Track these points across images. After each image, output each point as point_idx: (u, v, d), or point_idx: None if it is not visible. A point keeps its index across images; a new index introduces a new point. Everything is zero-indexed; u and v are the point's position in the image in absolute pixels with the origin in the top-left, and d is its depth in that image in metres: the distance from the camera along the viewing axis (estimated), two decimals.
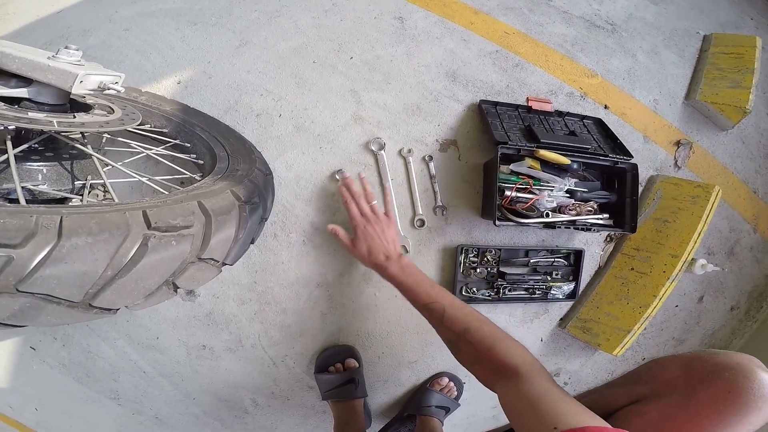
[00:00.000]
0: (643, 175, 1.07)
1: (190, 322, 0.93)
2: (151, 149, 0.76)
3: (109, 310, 0.46)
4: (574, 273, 1.00)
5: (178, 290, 0.51)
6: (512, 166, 0.85)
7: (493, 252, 0.95)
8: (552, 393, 0.49)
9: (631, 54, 1.19)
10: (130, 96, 0.87)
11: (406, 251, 0.93)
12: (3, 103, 0.58)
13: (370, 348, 0.99)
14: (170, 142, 0.82)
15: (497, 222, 0.80)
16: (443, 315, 0.65)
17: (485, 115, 0.90)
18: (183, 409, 1.01)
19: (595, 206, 0.89)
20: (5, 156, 0.55)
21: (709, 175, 1.17)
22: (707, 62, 1.23)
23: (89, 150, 0.67)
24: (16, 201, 0.61)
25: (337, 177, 0.92)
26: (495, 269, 0.96)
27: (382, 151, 0.93)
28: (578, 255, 0.98)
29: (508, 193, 0.83)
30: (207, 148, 0.79)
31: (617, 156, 0.88)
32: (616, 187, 0.92)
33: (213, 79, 0.99)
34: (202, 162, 0.78)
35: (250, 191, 0.61)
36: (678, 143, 1.12)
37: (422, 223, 0.94)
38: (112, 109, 0.71)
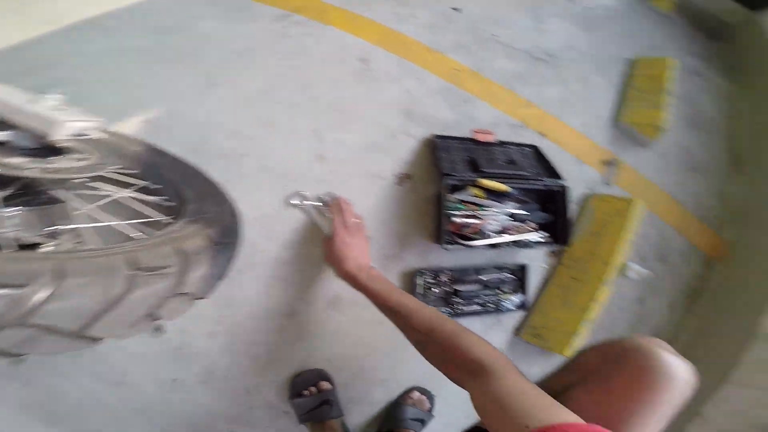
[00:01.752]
0: (578, 193, 1.24)
1: (158, 357, 0.96)
2: (121, 192, 0.81)
3: (96, 339, 0.53)
4: (522, 285, 1.14)
5: (154, 323, 0.59)
6: (458, 195, 0.98)
7: (448, 273, 1.07)
8: (520, 389, 0.48)
9: (565, 82, 1.37)
10: (101, 135, 0.91)
11: None
12: None
13: (342, 371, 1.05)
14: (140, 184, 0.86)
15: (447, 246, 0.93)
16: (410, 317, 0.70)
17: (435, 150, 1.04)
18: None
19: (535, 226, 1.04)
20: None
21: (636, 190, 1.35)
22: (630, 85, 1.44)
23: (64, 195, 0.72)
24: None
25: (292, 202, 1.01)
26: (450, 288, 1.08)
27: (306, 202, 1.02)
28: (523, 269, 1.12)
29: (456, 220, 0.96)
30: (177, 189, 0.85)
31: (550, 180, 1.04)
32: (552, 208, 1.08)
33: (181, 119, 1.06)
34: (173, 204, 0.84)
35: (220, 233, 0.71)
36: (607, 163, 1.30)
37: None
38: (87, 152, 0.75)
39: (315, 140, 1.08)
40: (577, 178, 1.25)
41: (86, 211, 0.73)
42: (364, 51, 1.21)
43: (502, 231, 1.01)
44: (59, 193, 0.72)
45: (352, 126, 1.11)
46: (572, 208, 1.22)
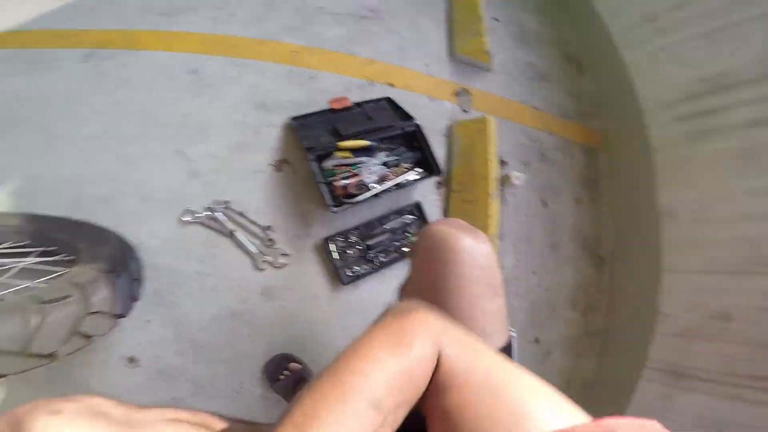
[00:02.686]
0: (442, 126, 1.44)
1: (149, 384, 1.05)
2: (22, 261, 0.93)
3: (47, 356, 0.72)
4: (425, 222, 1.30)
5: (88, 341, 0.78)
6: (329, 162, 1.10)
7: (355, 232, 1.20)
8: None
9: (396, 32, 1.54)
10: None
11: (287, 254, 1.14)
12: None
13: (304, 348, 1.15)
14: (36, 250, 0.97)
15: (334, 209, 1.06)
16: None
17: (295, 131, 1.16)
18: None
19: (408, 166, 1.20)
20: None
21: (493, 109, 1.58)
22: (453, 19, 1.65)
23: None
24: None
25: (184, 219, 1.10)
26: (363, 245, 1.21)
27: (200, 215, 1.11)
28: (418, 206, 1.29)
29: (336, 184, 1.08)
30: (70, 244, 0.96)
31: (403, 123, 1.20)
32: (418, 146, 1.25)
33: (42, 181, 1.10)
34: (73, 257, 0.94)
35: (110, 264, 0.87)
36: (457, 93, 1.51)
37: (272, 241, 1.15)
38: None
39: (181, 160, 1.16)
40: (437, 114, 1.45)
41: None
42: (191, 63, 1.29)
43: (383, 179, 1.15)
44: None
45: (209, 136, 1.20)
46: (441, 140, 1.41)
